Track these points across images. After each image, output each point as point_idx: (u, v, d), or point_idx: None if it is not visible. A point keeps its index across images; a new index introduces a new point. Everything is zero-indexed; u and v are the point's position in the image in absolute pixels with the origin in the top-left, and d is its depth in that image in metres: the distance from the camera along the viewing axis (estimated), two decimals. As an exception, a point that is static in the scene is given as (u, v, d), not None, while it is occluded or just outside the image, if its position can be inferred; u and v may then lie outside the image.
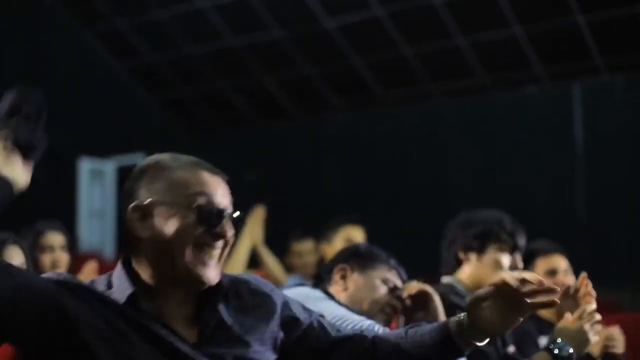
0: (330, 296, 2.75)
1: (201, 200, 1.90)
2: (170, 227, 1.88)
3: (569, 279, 4.20)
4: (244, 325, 1.98)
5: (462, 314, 1.99)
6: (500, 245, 3.17)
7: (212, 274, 1.90)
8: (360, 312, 2.70)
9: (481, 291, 1.94)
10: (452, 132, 9.50)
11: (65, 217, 9.42)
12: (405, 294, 2.81)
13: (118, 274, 1.94)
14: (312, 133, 10.64)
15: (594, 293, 2.96)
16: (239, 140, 11.25)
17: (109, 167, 12.91)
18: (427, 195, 9.43)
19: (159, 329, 1.86)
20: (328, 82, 9.88)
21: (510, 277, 1.86)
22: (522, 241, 3.20)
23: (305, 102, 10.37)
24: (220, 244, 1.92)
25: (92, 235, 12.70)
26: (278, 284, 5.99)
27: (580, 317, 2.83)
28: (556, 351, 2.78)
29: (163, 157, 2.01)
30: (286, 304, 2.10)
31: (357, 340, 2.10)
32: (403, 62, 9.17)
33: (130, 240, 1.96)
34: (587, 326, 2.80)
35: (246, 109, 10.73)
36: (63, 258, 4.72)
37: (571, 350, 2.78)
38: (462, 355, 2.01)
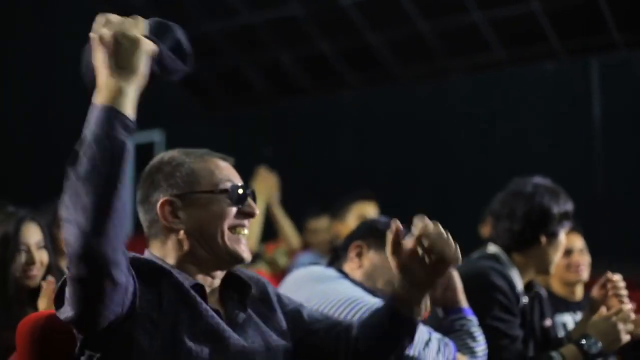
0: (345, 275, 2.74)
1: (227, 185, 2.03)
2: (206, 214, 2.00)
3: (585, 259, 4.19)
4: (262, 315, 2.10)
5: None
6: (565, 230, 3.14)
7: (246, 252, 2.04)
8: (374, 289, 2.70)
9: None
10: (468, 108, 9.46)
11: (82, 194, 9.43)
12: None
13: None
14: (329, 110, 10.61)
15: (625, 291, 2.95)
16: (255, 118, 11.25)
17: (126, 144, 12.92)
18: (443, 172, 9.41)
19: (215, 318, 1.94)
20: (344, 59, 9.84)
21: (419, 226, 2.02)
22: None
23: (321, 79, 10.34)
24: (248, 222, 2.05)
25: (109, 212, 12.74)
26: (291, 248, 6.01)
27: (615, 314, 2.83)
28: (586, 347, 2.79)
29: (172, 154, 2.14)
30: (279, 298, 2.22)
31: (340, 329, 2.19)
32: (419, 38, 9.12)
33: (155, 233, 2.07)
34: (620, 325, 2.81)
35: (262, 86, 10.70)
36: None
37: (601, 347, 2.80)
38: (414, 326, 2.11)
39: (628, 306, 2.85)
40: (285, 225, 6.05)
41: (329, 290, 2.57)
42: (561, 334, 3.74)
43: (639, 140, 8.32)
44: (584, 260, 4.17)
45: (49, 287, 2.96)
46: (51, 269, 3.14)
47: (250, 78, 10.61)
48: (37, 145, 11.85)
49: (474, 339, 2.71)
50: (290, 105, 10.94)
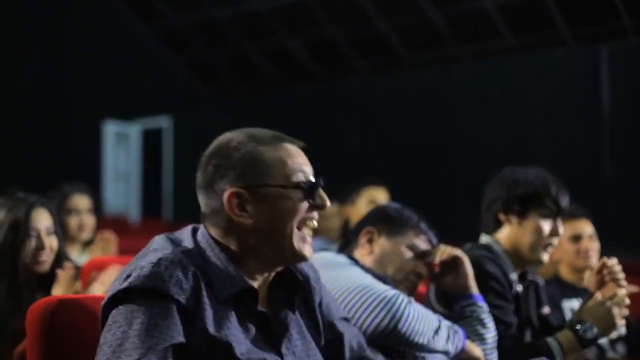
0: (355, 261, 2.74)
1: (300, 176, 1.93)
2: (277, 209, 1.90)
3: (594, 245, 4.19)
4: (307, 324, 2.02)
5: None
6: (543, 210, 3.12)
7: (310, 250, 1.96)
8: (384, 276, 2.70)
9: None
10: (477, 95, 9.45)
11: (90, 180, 9.49)
12: (436, 259, 2.80)
13: (218, 260, 1.90)
14: (337, 96, 10.61)
15: (622, 275, 2.95)
16: (263, 103, 11.25)
17: (134, 130, 12.97)
18: (452, 157, 9.42)
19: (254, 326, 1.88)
20: (353, 45, 9.83)
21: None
22: (566, 206, 3.13)
23: (330, 65, 10.34)
24: (317, 215, 1.97)
25: (117, 198, 12.79)
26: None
27: (610, 299, 2.82)
28: (581, 332, 2.79)
29: (240, 137, 1.95)
30: (327, 306, 2.11)
31: None
32: (429, 25, 9.11)
33: (217, 222, 1.93)
34: (615, 310, 2.80)
35: (271, 72, 10.70)
36: (89, 221, 4.76)
37: (596, 332, 2.79)
38: None
39: (623, 291, 2.85)
40: None
41: (339, 277, 2.56)
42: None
43: (647, 127, 8.31)
44: (593, 247, 4.17)
45: (67, 273, 2.97)
46: (60, 254, 3.14)
47: (258, 64, 10.60)
48: (45, 133, 11.86)
49: (484, 325, 2.71)
50: (299, 91, 10.94)
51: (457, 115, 9.53)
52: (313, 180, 1.94)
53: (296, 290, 2.00)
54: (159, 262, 1.78)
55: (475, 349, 2.64)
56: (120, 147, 12.77)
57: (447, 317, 2.67)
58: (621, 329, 2.85)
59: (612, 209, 7.91)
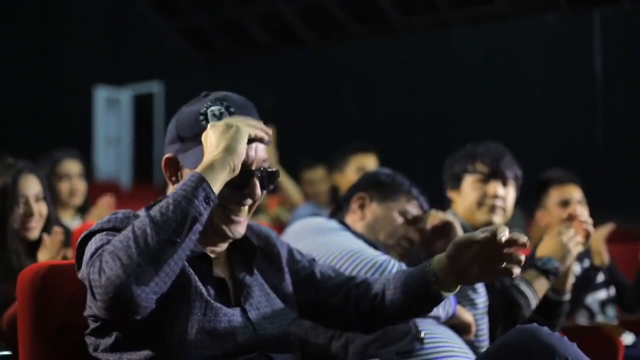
0: (346, 227, 2.73)
1: None
2: None
3: (583, 210, 4.20)
4: (269, 278, 2.10)
5: (433, 261, 2.05)
6: (474, 176, 3.18)
7: (239, 229, 1.98)
8: (376, 241, 2.70)
9: (465, 238, 1.96)
10: (470, 60, 9.43)
11: (81, 145, 9.46)
12: (428, 225, 2.80)
13: None
14: (330, 61, 10.58)
15: (589, 220, 3.05)
16: (255, 68, 11.21)
17: (125, 95, 12.92)
18: (444, 123, 9.41)
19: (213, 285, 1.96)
20: (345, 9, 9.79)
21: (502, 233, 1.87)
22: (500, 167, 3.18)
23: (322, 30, 10.29)
24: (249, 202, 1.98)
25: (108, 163, 12.77)
26: (294, 205, 6.03)
27: (558, 234, 2.98)
28: (541, 264, 2.94)
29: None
30: (291, 254, 2.22)
31: (351, 286, 2.20)
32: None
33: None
34: (565, 239, 2.96)
35: (263, 37, 10.65)
36: (80, 186, 4.74)
37: (556, 264, 2.94)
38: (439, 302, 2.08)
39: (569, 227, 3.00)
40: (288, 183, 6.05)
41: (330, 243, 2.56)
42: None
43: (639, 92, 8.30)
44: (582, 213, 4.18)
45: (55, 239, 2.95)
46: (50, 220, 3.13)
47: (250, 29, 10.55)
48: (36, 99, 11.80)
49: (474, 290, 2.72)
50: (292, 56, 10.90)
51: (450, 79, 9.52)
52: (245, 169, 1.93)
53: (253, 254, 2.07)
54: (129, 213, 1.92)
55: (466, 314, 2.65)
56: (111, 112, 12.73)
57: None
58: (576, 252, 2.99)
59: (603, 174, 7.93)
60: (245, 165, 1.92)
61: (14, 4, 11.71)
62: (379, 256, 2.52)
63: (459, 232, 2.78)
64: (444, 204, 3.28)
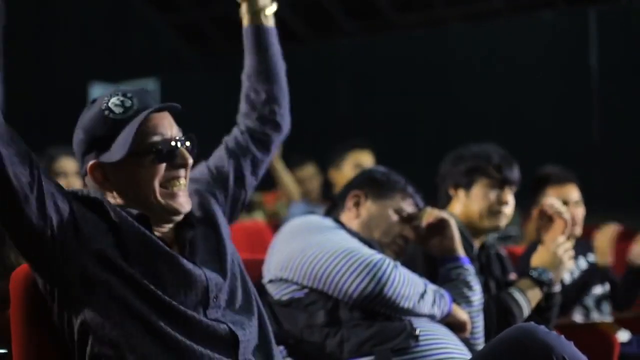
0: (341, 225, 2.73)
1: (156, 138, 2.01)
2: (133, 177, 2.01)
3: (579, 211, 4.20)
4: (207, 235, 2.15)
5: None
6: (487, 180, 3.18)
7: (182, 202, 2.03)
8: (371, 240, 2.69)
9: None
10: (466, 56, 9.43)
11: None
12: (423, 222, 2.80)
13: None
14: (325, 57, 10.57)
15: (567, 216, 3.07)
16: (250, 65, 11.20)
17: (121, 92, 12.87)
18: (440, 121, 9.41)
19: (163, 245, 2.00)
20: (341, 6, 9.78)
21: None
22: (512, 175, 3.19)
23: (317, 26, 10.28)
24: (183, 172, 2.04)
25: (104, 160, 12.73)
26: (293, 200, 6.02)
27: (555, 246, 3.00)
28: (536, 275, 2.96)
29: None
30: (213, 195, 2.30)
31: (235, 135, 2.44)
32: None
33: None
34: (560, 251, 2.98)
35: (258, 34, 10.63)
36: (76, 184, 4.72)
37: (551, 276, 2.96)
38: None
39: (562, 237, 3.02)
40: (286, 178, 6.05)
41: (325, 241, 2.56)
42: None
43: (636, 89, 8.30)
44: (578, 213, 4.17)
45: None
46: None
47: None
48: (31, 95, 11.77)
49: (470, 287, 2.73)
50: (286, 52, 10.87)
51: (446, 77, 9.50)
52: (169, 140, 2.02)
53: (192, 228, 2.11)
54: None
55: (461, 313, 2.65)
56: (107, 109, 12.72)
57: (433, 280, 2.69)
58: (569, 265, 3.05)
59: (600, 171, 7.93)
60: (166, 141, 1.99)
61: (7, 1, 11.69)
62: (374, 255, 2.52)
63: (455, 230, 2.79)
64: (438, 200, 3.28)
